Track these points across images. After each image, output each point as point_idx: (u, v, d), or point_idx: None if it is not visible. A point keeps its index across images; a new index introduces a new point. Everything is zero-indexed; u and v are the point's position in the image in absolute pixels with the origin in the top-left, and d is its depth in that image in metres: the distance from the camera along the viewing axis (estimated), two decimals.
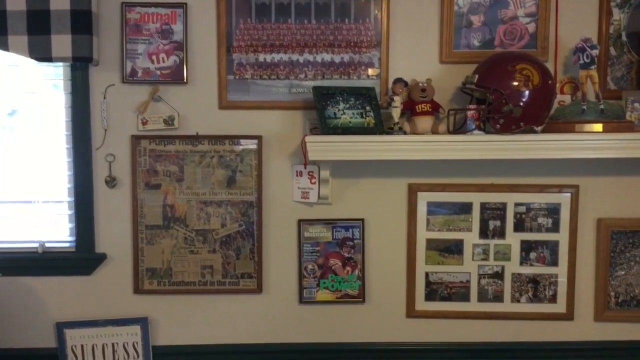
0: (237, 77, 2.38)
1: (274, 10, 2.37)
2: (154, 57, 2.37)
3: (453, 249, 2.46)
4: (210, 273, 2.45)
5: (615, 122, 2.23)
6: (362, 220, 2.44)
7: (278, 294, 2.48)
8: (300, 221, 2.44)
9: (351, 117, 2.27)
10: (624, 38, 2.39)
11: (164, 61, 2.37)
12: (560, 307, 2.46)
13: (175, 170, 2.41)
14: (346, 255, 2.45)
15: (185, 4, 2.36)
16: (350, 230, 2.45)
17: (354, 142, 2.22)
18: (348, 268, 2.46)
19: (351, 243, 2.45)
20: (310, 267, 2.46)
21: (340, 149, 2.22)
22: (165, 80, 2.37)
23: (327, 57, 2.39)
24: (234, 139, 2.40)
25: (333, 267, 2.46)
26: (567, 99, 2.38)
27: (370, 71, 2.39)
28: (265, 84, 2.39)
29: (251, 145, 2.41)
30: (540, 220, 2.44)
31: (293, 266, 2.46)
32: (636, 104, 2.29)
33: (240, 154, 2.41)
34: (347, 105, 2.29)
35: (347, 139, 2.21)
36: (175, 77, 2.37)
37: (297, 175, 2.44)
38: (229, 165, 2.41)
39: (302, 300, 2.47)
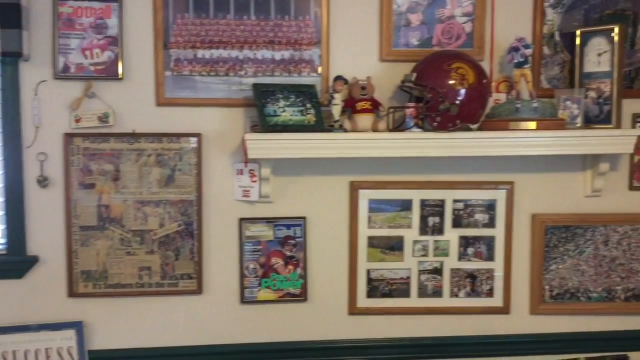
0: (175, 73, 2.33)
1: (212, 5, 2.33)
2: (87, 53, 2.30)
3: (394, 246, 2.48)
4: (148, 274, 2.39)
5: (548, 120, 2.30)
6: (304, 218, 2.44)
7: (219, 295, 2.44)
8: (241, 220, 2.41)
9: (292, 115, 2.26)
10: (557, 38, 2.46)
11: (98, 56, 2.30)
12: (497, 301, 2.51)
13: (110, 169, 2.34)
14: (288, 253, 2.44)
15: None
16: (292, 228, 2.44)
17: (295, 140, 2.21)
18: (290, 267, 2.44)
19: (293, 241, 2.44)
20: (251, 266, 2.43)
21: (280, 147, 2.21)
22: (99, 76, 2.30)
23: (268, 53, 2.36)
24: (173, 136, 2.35)
25: (275, 266, 2.44)
26: (502, 97, 2.44)
27: (320, 69, 2.37)
28: (205, 80, 2.35)
29: (190, 143, 2.36)
30: (478, 216, 2.49)
31: (234, 266, 2.43)
32: (568, 102, 2.37)
33: (179, 152, 2.36)
34: (288, 103, 2.27)
35: (288, 136, 2.20)
36: (110, 72, 2.30)
37: (237, 174, 2.40)
38: (167, 163, 2.36)
39: (243, 300, 2.44)
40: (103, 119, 2.31)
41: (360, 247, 2.46)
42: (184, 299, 2.42)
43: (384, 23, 2.38)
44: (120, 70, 2.30)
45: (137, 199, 2.36)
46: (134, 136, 2.33)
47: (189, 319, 2.44)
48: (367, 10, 2.39)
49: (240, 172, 2.40)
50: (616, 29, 2.31)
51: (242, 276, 2.43)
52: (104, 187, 2.34)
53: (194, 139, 2.36)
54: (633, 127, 2.48)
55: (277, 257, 2.44)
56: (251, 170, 2.39)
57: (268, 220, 2.42)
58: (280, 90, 2.28)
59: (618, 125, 2.34)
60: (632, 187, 2.52)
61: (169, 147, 2.35)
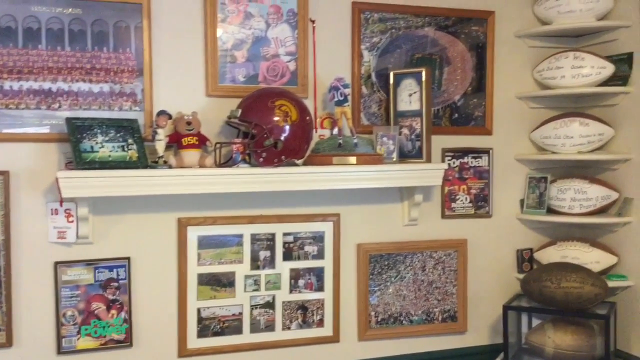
0: None
1: (21, 34, 2.16)
2: None
3: (225, 282, 2.45)
4: None
5: (367, 155, 2.43)
6: (128, 258, 2.32)
7: (32, 346, 2.22)
8: (57, 263, 2.23)
9: (111, 151, 2.16)
10: (373, 78, 2.63)
11: None
12: (327, 330, 2.58)
13: None
14: (110, 297, 2.30)
15: None
16: (115, 270, 2.30)
17: (114, 177, 2.11)
18: (113, 311, 2.30)
19: (116, 284, 2.30)
20: (69, 313, 2.25)
21: (98, 185, 2.10)
22: None
23: (85, 86, 2.24)
24: None
25: (96, 312, 2.28)
26: (327, 133, 2.54)
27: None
28: (12, 114, 2.16)
29: None
30: (307, 248, 2.55)
31: (49, 314, 2.24)
32: (384, 139, 2.53)
33: None
34: (107, 138, 2.17)
35: (105, 174, 2.10)
36: None
37: (52, 214, 2.23)
38: None
39: (60, 350, 2.24)
40: None
41: (190, 286, 2.40)
42: None
43: (209, 59, 2.38)
44: None
45: None
46: None
47: None
48: (192, 46, 2.38)
49: (55, 212, 2.23)
50: (424, 72, 2.53)
51: (59, 325, 2.24)
52: None
53: None
54: (442, 161, 2.72)
55: (98, 302, 2.28)
56: (67, 209, 2.23)
57: (87, 263, 2.27)
58: (99, 125, 2.18)
59: (428, 160, 2.54)
60: (444, 216, 2.75)
61: None
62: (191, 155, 2.28)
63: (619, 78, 2.62)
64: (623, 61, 2.61)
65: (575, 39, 2.84)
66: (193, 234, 2.40)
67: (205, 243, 2.42)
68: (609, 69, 2.60)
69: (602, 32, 2.70)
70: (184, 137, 2.28)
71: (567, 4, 2.62)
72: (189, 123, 2.29)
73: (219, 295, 2.44)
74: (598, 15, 2.65)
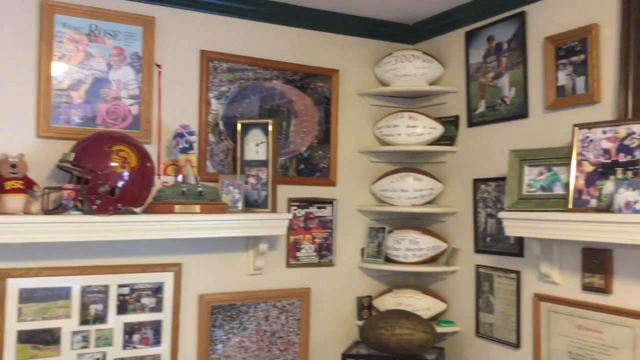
0: None
1: None
2: None
3: (49, 339, 2.24)
4: None
5: (212, 204, 2.40)
6: None
7: None
8: None
9: None
10: (221, 127, 2.62)
11: None
12: None
13: None
14: None
15: None
16: None
17: None
18: None
19: None
20: None
21: None
22: None
23: None
24: None
25: None
26: (171, 180, 2.47)
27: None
28: None
29: None
30: (144, 300, 2.42)
31: None
32: (230, 187, 2.51)
33: None
34: None
35: None
36: None
37: None
38: None
39: None
40: None
41: (7, 344, 2.16)
42: None
43: (41, 97, 2.23)
44: None
45: None
46: None
47: None
48: (23, 83, 2.22)
49: None
50: (271, 123, 2.57)
51: None
52: None
53: None
54: (288, 210, 2.76)
55: None
56: None
57: None
58: None
59: (274, 209, 2.56)
60: (288, 265, 2.77)
61: None
62: (15, 201, 2.09)
63: (447, 138, 2.86)
64: (451, 123, 2.87)
65: (410, 100, 3.08)
66: (14, 286, 2.18)
67: (27, 296, 2.21)
68: (439, 129, 2.84)
69: (433, 95, 2.95)
70: (7, 180, 2.09)
71: (403, 68, 2.84)
72: (14, 166, 2.10)
73: (41, 354, 2.23)
74: (430, 80, 2.89)
